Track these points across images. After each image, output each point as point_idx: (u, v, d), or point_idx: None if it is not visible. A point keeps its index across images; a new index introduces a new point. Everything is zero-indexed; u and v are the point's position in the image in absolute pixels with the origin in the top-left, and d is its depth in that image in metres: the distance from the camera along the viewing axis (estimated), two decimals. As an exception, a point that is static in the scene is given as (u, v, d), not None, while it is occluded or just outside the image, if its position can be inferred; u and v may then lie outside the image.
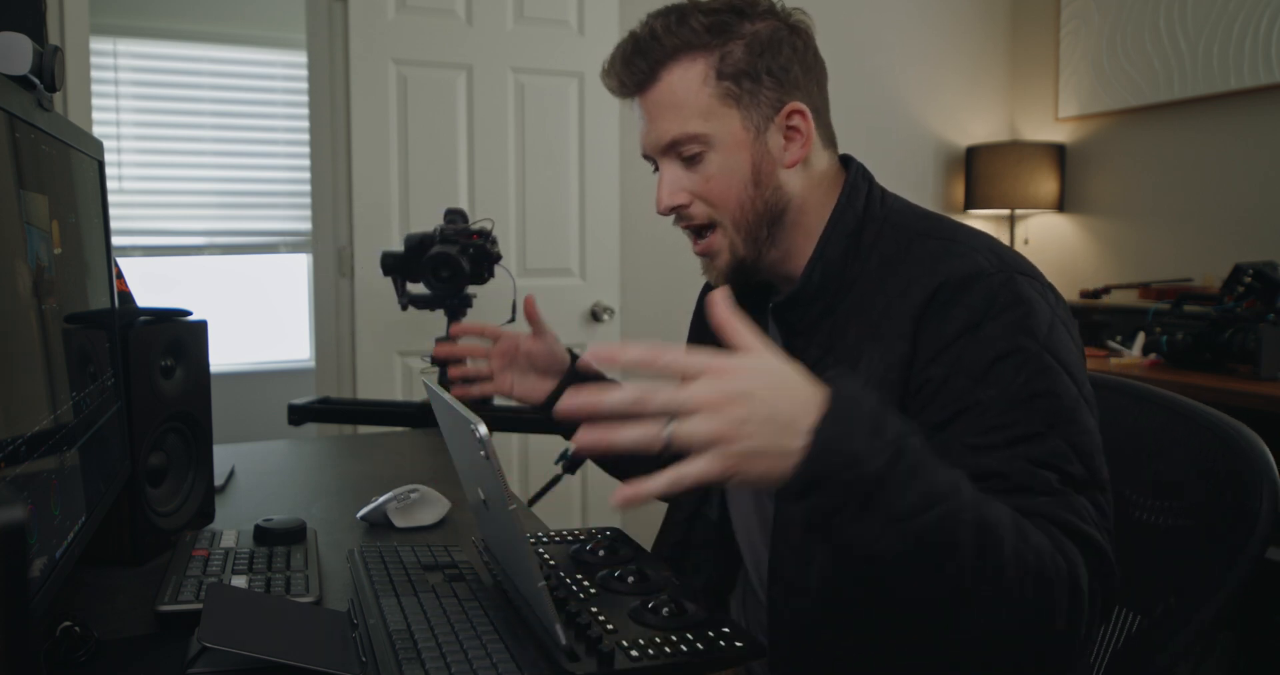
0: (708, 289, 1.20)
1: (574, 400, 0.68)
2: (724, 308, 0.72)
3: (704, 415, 0.67)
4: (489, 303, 2.37)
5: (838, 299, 0.98)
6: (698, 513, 1.14)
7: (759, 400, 0.67)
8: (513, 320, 2.30)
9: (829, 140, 1.04)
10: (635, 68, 0.99)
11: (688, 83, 0.97)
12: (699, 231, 1.03)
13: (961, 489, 0.73)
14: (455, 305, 2.17)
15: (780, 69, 0.98)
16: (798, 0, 1.03)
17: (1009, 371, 0.84)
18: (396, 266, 2.16)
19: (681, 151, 0.99)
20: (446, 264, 2.06)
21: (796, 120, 0.99)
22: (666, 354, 0.68)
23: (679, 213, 1.02)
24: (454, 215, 2.19)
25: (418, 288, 2.19)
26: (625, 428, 0.67)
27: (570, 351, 1.30)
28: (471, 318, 2.23)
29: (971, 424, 0.84)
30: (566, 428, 1.25)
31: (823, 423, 0.69)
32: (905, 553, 0.71)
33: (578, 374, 1.27)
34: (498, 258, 2.14)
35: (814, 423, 0.69)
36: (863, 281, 0.97)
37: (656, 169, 1.03)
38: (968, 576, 0.72)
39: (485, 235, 2.13)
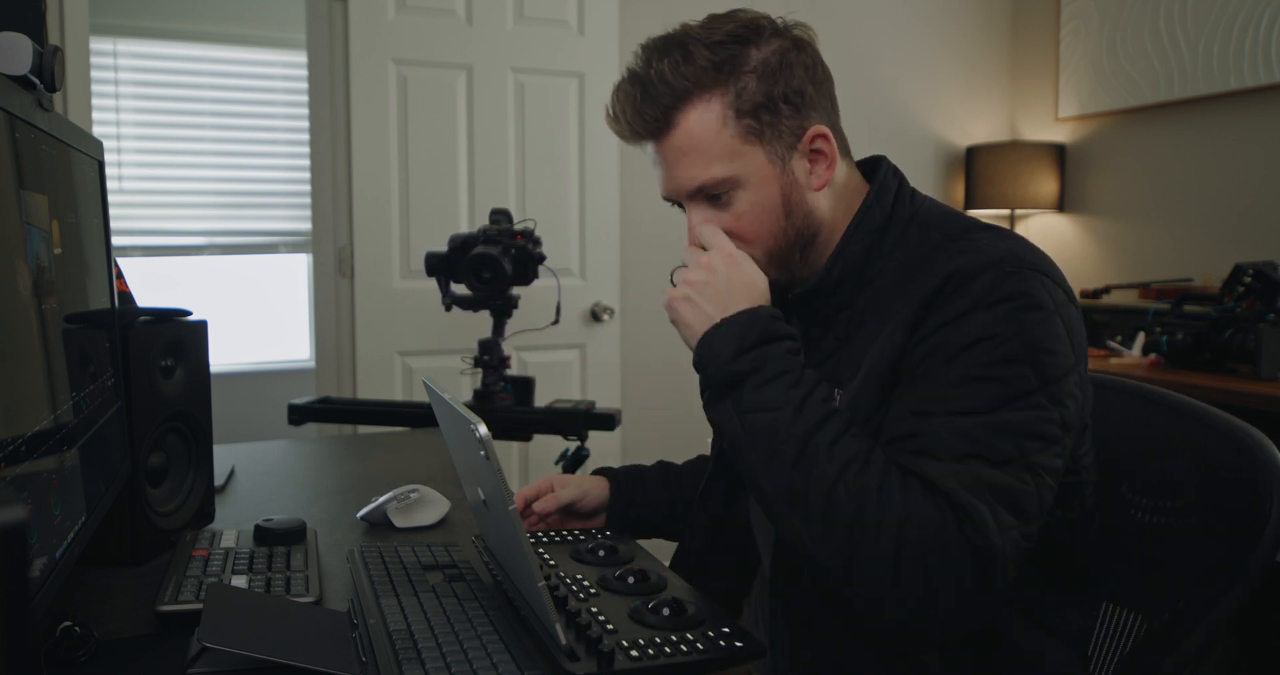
0: None
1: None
2: None
3: (682, 279, 0.97)
4: (534, 304, 2.37)
5: (856, 293, 0.98)
6: (723, 516, 1.14)
7: (711, 286, 0.94)
8: (556, 322, 2.31)
9: (845, 150, 1.03)
10: (647, 115, 0.95)
11: (707, 125, 0.94)
12: None
13: (804, 413, 0.86)
14: (500, 306, 2.16)
15: (795, 93, 0.96)
16: (801, 4, 1.01)
17: (977, 355, 0.85)
18: (439, 267, 2.15)
19: (708, 194, 0.97)
20: (488, 265, 2.05)
21: (819, 144, 0.98)
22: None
23: None
24: (498, 215, 2.18)
25: (461, 288, 2.18)
26: None
27: (611, 472, 1.25)
28: (516, 319, 2.23)
29: (920, 391, 0.87)
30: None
31: (720, 323, 0.92)
32: (742, 440, 0.89)
33: (625, 495, 1.22)
34: (541, 259, 2.13)
35: (717, 323, 0.92)
36: (882, 278, 0.97)
37: (677, 205, 1.02)
38: (784, 479, 0.85)
39: (529, 236, 2.12)
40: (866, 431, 0.90)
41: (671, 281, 0.99)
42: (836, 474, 0.83)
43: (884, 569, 0.81)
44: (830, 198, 1.00)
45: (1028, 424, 0.84)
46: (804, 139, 0.97)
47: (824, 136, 0.98)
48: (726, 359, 0.90)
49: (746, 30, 0.95)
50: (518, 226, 2.13)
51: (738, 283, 0.94)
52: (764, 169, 0.96)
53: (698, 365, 0.93)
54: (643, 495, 1.22)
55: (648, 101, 0.95)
